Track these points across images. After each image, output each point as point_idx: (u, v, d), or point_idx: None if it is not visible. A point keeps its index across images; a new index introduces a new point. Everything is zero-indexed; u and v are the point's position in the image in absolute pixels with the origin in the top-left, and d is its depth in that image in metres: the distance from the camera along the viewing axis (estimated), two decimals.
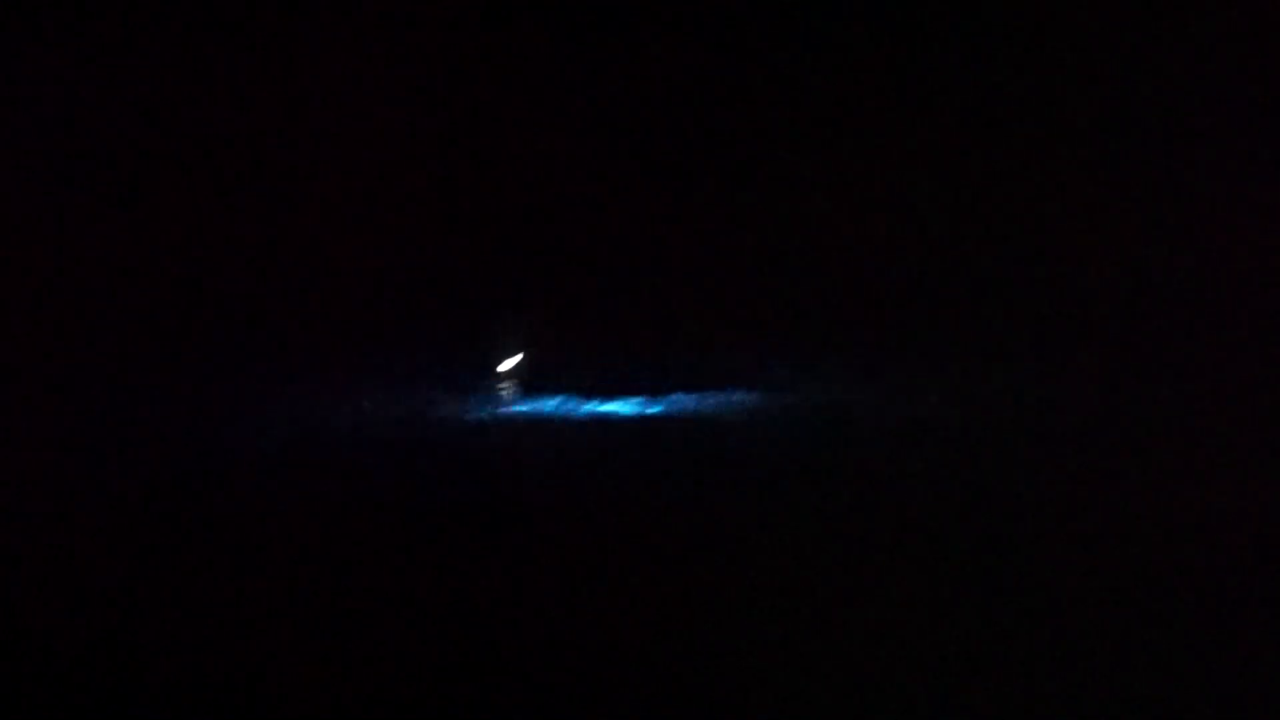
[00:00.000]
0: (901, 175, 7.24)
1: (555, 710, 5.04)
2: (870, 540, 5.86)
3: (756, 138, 6.95)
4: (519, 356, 6.20)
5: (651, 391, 6.70)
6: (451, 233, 6.64)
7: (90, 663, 5.07)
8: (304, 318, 6.92)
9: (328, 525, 5.94)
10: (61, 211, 6.63)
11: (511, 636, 5.44)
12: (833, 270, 7.48)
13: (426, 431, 6.40)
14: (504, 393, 6.49)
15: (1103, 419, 6.64)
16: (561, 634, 5.47)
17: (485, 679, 5.16)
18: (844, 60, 7.18)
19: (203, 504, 6.12)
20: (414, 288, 6.47)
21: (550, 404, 6.42)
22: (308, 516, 5.89)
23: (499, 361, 6.43)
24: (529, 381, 6.51)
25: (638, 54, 6.84)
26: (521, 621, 5.52)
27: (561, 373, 6.86)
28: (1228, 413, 6.08)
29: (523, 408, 6.47)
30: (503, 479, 6.22)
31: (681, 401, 6.82)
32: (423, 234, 6.66)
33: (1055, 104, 6.65)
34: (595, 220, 6.71)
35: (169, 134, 6.87)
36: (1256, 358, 6.02)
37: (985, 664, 5.08)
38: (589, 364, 6.86)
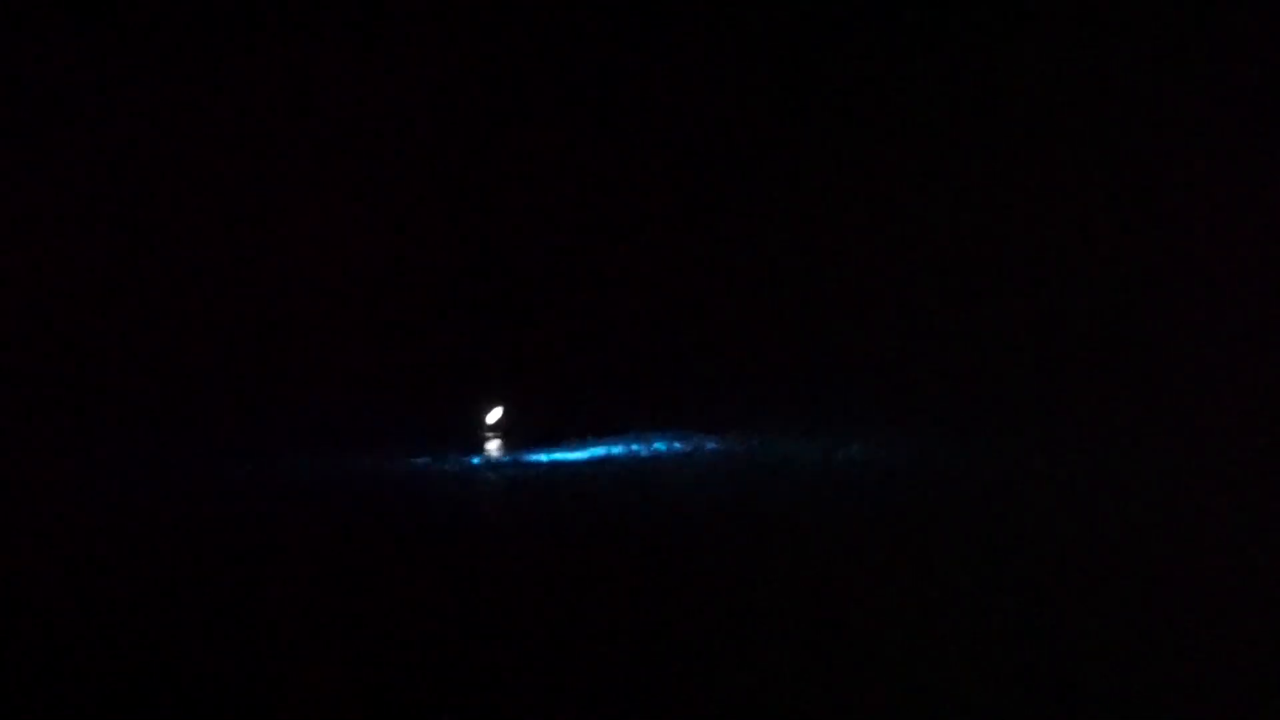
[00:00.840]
0: (863, 216, 7.32)
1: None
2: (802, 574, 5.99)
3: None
4: (499, 412, 6.81)
5: (614, 439, 7.24)
6: (437, 314, 7.19)
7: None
8: (300, 380, 7.41)
9: (328, 562, 6.23)
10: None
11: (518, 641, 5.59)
12: (786, 327, 7.72)
13: (417, 479, 6.83)
14: (488, 443, 7.09)
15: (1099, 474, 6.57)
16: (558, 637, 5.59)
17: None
18: (827, 98, 7.25)
19: (216, 537, 6.32)
20: (410, 359, 7.04)
21: (528, 452, 6.94)
22: (312, 552, 6.21)
23: (482, 417, 7.06)
24: (508, 433, 7.12)
25: (589, 125, 7.10)
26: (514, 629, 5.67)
27: (536, 424, 7.41)
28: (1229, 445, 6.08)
29: (508, 456, 7.07)
30: (492, 514, 6.55)
31: (636, 448, 7.22)
32: (413, 314, 7.29)
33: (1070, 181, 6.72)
34: (569, 288, 7.19)
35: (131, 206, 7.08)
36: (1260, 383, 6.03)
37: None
38: (561, 417, 7.39)
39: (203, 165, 8.77)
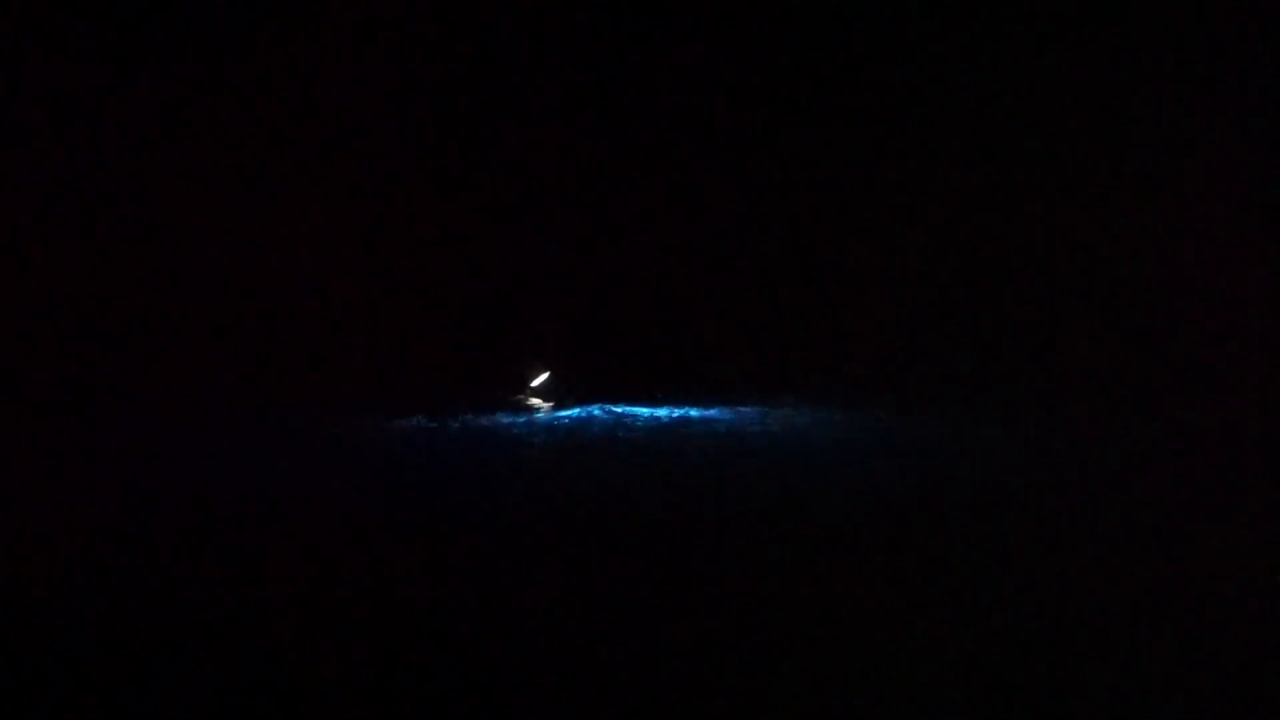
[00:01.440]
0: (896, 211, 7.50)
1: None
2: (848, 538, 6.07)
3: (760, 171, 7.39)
4: (547, 374, 7.19)
5: (668, 400, 7.62)
6: (492, 279, 7.58)
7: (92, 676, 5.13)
8: (374, 356, 7.82)
9: (392, 513, 6.39)
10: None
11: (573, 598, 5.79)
12: (838, 301, 7.97)
13: (479, 432, 7.21)
14: (538, 402, 7.50)
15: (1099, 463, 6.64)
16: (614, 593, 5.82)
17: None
18: (850, 101, 7.40)
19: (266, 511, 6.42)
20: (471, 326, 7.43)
21: (586, 408, 7.32)
22: (368, 508, 6.43)
23: (533, 379, 7.49)
24: (563, 393, 7.59)
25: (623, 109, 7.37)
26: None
27: (593, 385, 7.81)
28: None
29: (560, 412, 7.51)
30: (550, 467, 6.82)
31: (691, 409, 7.52)
32: (470, 283, 7.69)
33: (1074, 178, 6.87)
34: (628, 258, 7.54)
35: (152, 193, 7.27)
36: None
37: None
38: (616, 378, 7.73)
39: (240, 158, 8.81)
